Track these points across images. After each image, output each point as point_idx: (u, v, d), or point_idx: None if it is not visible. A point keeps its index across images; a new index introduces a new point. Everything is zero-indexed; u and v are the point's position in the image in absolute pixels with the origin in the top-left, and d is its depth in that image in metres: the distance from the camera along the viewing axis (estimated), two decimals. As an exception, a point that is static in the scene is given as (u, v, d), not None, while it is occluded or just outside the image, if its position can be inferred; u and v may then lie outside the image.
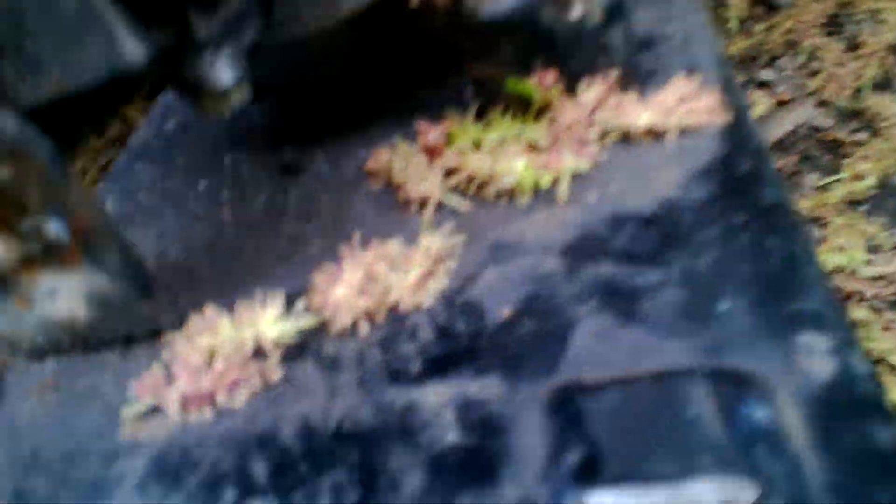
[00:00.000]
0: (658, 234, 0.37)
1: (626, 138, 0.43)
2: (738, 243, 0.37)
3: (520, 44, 0.42)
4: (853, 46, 0.86)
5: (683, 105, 0.43)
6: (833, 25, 0.88)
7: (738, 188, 0.40)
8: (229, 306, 0.36)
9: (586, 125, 0.43)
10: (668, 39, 0.50)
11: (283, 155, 0.47)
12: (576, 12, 0.41)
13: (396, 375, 0.32)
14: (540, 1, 0.40)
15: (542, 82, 0.43)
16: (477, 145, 0.43)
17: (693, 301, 0.35)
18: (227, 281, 0.39)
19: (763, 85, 0.88)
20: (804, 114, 0.85)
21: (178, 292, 0.38)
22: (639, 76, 0.46)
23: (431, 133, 0.43)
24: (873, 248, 0.78)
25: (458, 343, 0.32)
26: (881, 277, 0.77)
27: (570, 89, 0.43)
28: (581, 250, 0.38)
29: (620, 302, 0.34)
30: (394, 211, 0.41)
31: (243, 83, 0.38)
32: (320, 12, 0.42)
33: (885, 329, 0.74)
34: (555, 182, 0.41)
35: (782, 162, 0.84)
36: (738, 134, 0.44)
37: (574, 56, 0.43)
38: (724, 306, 0.34)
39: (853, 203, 0.81)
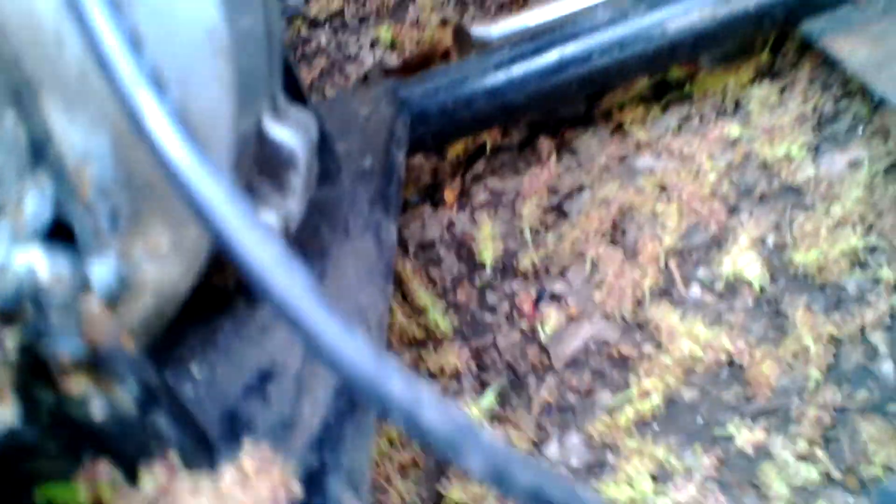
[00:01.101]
0: None
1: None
2: None
3: (65, 440, 0.41)
4: (633, 254, 0.86)
5: (248, 487, 0.42)
6: (615, 232, 0.88)
7: None
8: None
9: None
10: (282, 378, 0.49)
11: None
12: (98, 411, 0.40)
13: None
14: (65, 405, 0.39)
15: (92, 477, 0.41)
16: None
17: None
18: None
19: (555, 298, 0.87)
20: (592, 328, 0.84)
21: None
22: (221, 443, 0.45)
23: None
24: (664, 476, 0.75)
25: None
26: (673, 508, 0.73)
27: (132, 478, 0.42)
28: None
29: None
30: None
31: None
32: None
33: (675, 572, 0.70)
34: None
35: (576, 380, 0.82)
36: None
37: (126, 444, 0.42)
38: None
39: (643, 423, 0.78)
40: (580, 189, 0.93)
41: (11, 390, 0.37)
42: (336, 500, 0.42)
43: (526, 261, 0.90)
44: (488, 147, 0.99)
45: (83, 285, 0.38)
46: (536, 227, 0.92)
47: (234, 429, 0.45)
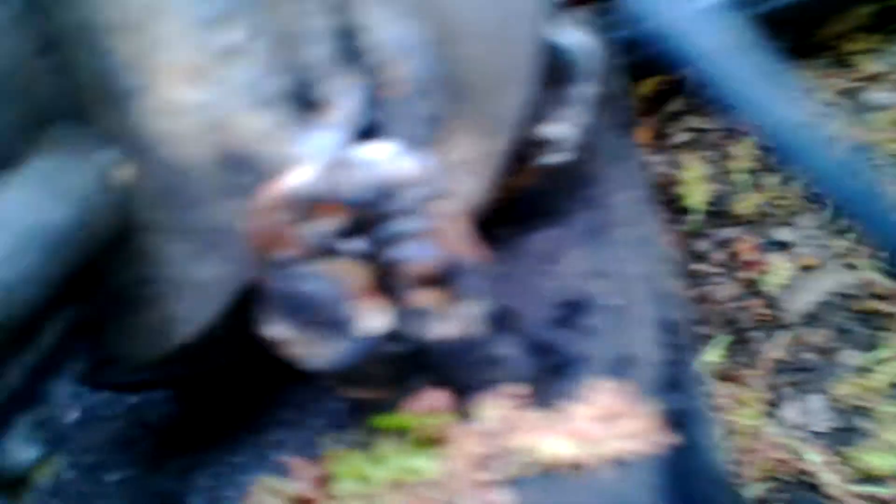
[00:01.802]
0: None
1: (543, 472, 0.35)
2: None
3: (396, 362, 0.35)
4: (881, 197, 0.75)
5: (610, 427, 0.35)
6: (855, 173, 0.78)
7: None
8: None
9: (489, 459, 0.35)
10: (597, 309, 0.43)
11: (163, 481, 0.42)
12: (447, 328, 0.34)
13: None
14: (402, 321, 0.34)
15: (428, 406, 0.36)
16: (365, 484, 0.36)
17: None
18: None
19: (782, 246, 0.78)
20: (834, 280, 0.74)
21: None
22: (556, 377, 0.38)
23: (305, 474, 0.36)
24: (935, 444, 0.65)
25: None
26: (949, 481, 0.64)
27: (467, 411, 0.36)
28: None
29: None
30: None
31: (48, 457, 0.33)
32: (152, 342, 0.37)
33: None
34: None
35: (815, 338, 0.73)
36: (685, 463, 0.35)
37: (465, 371, 0.36)
38: None
39: (903, 386, 0.69)
40: (804, 126, 0.83)
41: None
42: (700, 446, 0.35)
43: (744, 205, 0.80)
44: (689, 84, 0.90)
45: (432, 189, 0.32)
46: (754, 168, 0.82)
47: (552, 362, 0.39)
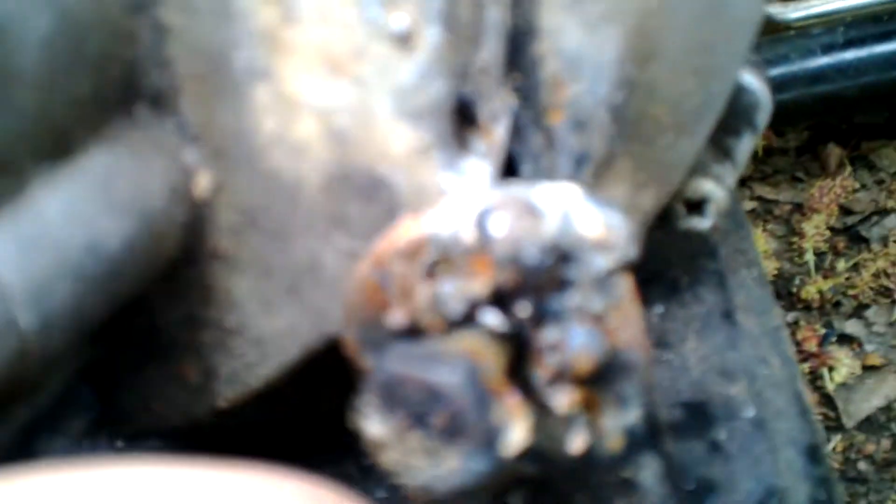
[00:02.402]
0: None
1: None
2: None
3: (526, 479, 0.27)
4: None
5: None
6: (935, 274, 0.72)
7: None
8: None
9: None
10: (730, 419, 0.35)
11: None
12: (576, 443, 0.26)
13: None
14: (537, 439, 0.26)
15: None
16: None
17: None
18: None
19: (847, 340, 0.72)
20: (900, 387, 0.68)
21: None
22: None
23: None
24: None
25: None
26: None
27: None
28: None
29: None
30: None
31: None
32: (181, 402, 0.29)
33: None
34: None
35: (871, 447, 0.67)
36: None
37: (586, 496, 0.28)
38: None
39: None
40: (883, 212, 0.77)
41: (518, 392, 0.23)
42: None
43: (810, 289, 0.74)
44: (759, 149, 0.84)
45: (621, 256, 0.24)
46: (823, 250, 0.76)
47: (686, 488, 0.31)
